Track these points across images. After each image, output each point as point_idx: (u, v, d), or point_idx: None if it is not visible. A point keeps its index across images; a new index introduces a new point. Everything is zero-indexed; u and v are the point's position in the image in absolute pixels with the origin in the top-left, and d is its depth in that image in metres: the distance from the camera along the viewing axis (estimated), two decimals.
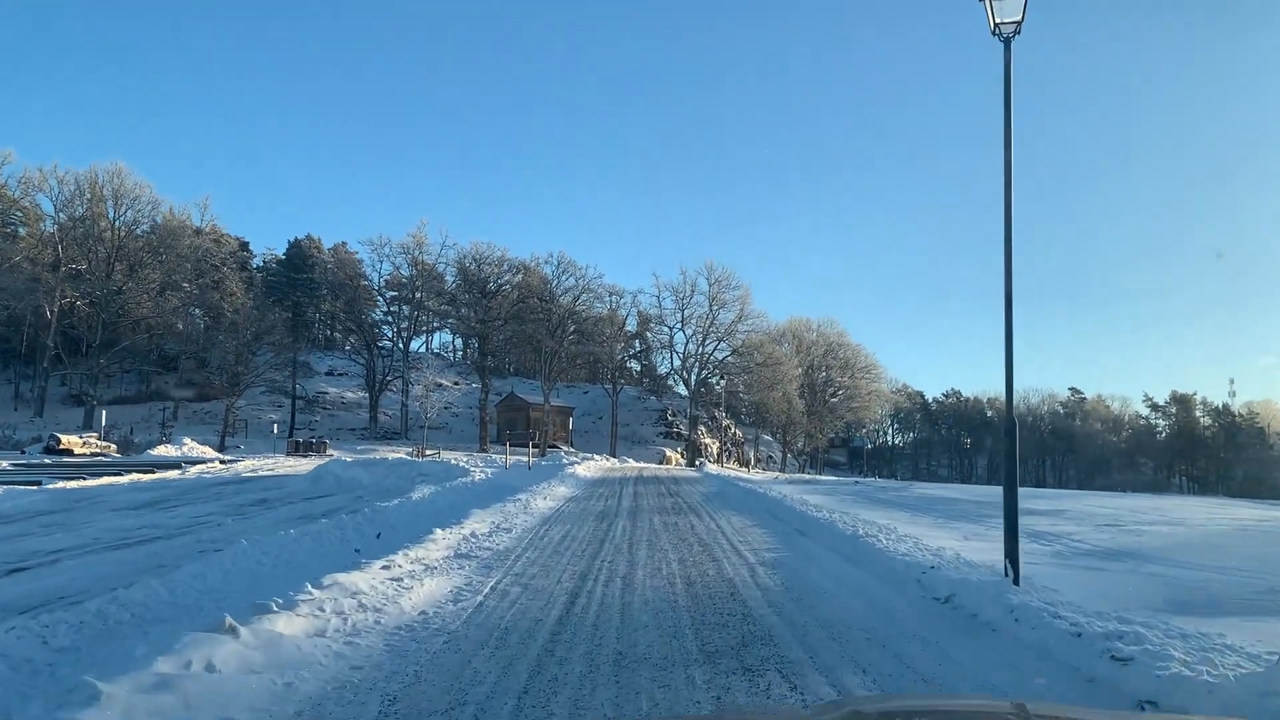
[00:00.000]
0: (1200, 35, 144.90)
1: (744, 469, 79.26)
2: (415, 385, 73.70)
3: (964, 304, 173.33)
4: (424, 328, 78.90)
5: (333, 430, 65.62)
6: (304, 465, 37.65)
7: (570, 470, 30.66)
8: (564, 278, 66.59)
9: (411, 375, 74.72)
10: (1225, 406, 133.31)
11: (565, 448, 70.67)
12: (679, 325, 75.99)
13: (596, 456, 52.75)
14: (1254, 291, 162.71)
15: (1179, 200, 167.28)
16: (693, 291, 75.06)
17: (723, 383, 53.05)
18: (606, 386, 75.44)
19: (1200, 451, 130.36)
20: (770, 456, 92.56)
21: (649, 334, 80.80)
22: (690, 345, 75.97)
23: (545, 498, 19.74)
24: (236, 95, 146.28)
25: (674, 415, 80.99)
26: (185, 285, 61.85)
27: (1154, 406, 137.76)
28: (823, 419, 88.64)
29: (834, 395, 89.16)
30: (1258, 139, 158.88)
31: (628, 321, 78.86)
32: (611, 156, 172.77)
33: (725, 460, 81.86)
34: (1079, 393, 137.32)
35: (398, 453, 57.37)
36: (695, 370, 75.94)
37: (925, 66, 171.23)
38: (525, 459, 42.40)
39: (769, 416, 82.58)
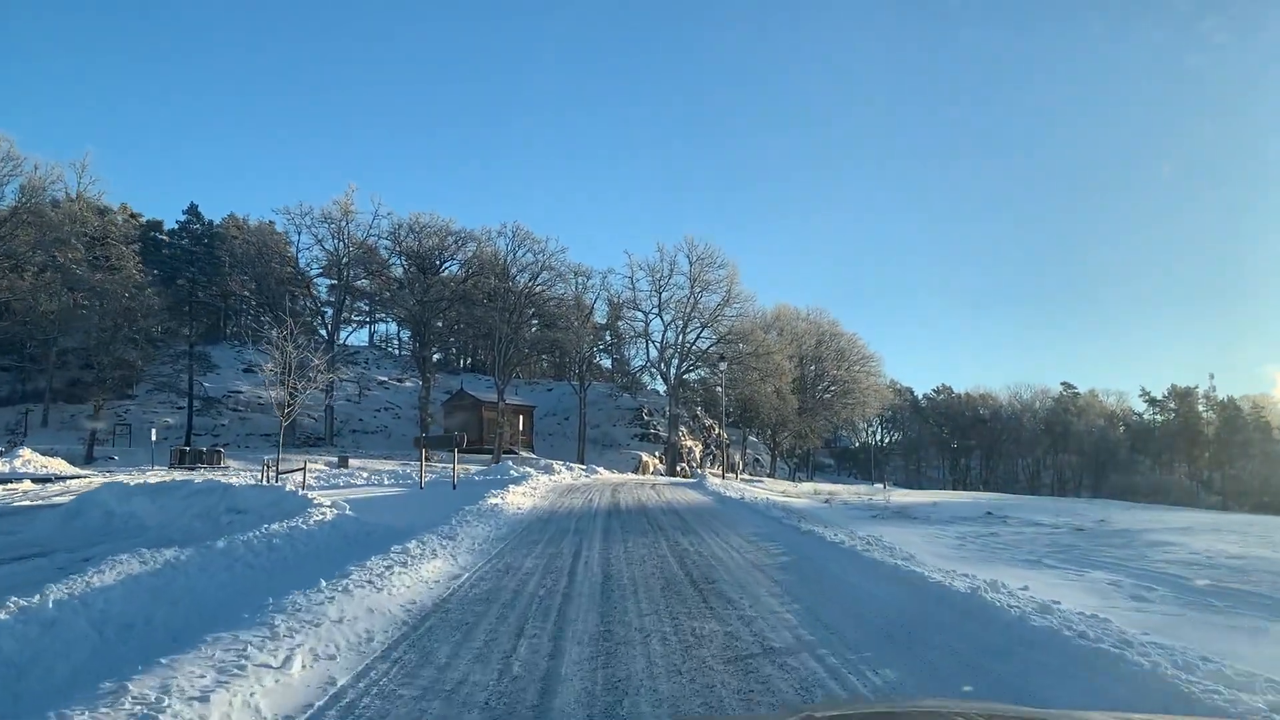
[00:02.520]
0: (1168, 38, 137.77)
1: (732, 476, 69.25)
2: (347, 382, 62.86)
3: (951, 298, 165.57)
4: (355, 314, 67.99)
5: (242, 436, 54.73)
6: (176, 478, 27.28)
7: (507, 496, 19.88)
8: (521, 253, 56.11)
9: (342, 371, 63.82)
10: (1230, 400, 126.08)
11: (524, 452, 60.11)
12: (655, 310, 65.72)
13: (560, 463, 42.58)
14: (1237, 289, 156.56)
15: (1174, 200, 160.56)
16: (671, 271, 64.80)
17: (722, 366, 43.03)
18: (573, 383, 65.02)
19: (1203, 448, 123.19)
20: (757, 460, 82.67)
21: (621, 323, 70.38)
22: (669, 333, 65.78)
23: (420, 576, 9.44)
24: (148, 63, 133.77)
25: (650, 414, 70.74)
26: (63, 261, 50.55)
27: (1151, 401, 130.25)
28: (815, 417, 78.84)
29: (828, 390, 79.42)
30: (1253, 138, 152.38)
31: (596, 308, 68.48)
32: (574, 126, 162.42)
33: (710, 465, 71.76)
34: (1072, 387, 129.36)
35: (314, 463, 46.69)
36: (675, 362, 65.72)
37: (913, 62, 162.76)
38: (461, 471, 32.12)
39: (759, 414, 72.61)
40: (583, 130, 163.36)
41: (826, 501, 24.27)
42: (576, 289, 61.54)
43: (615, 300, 66.78)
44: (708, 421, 76.32)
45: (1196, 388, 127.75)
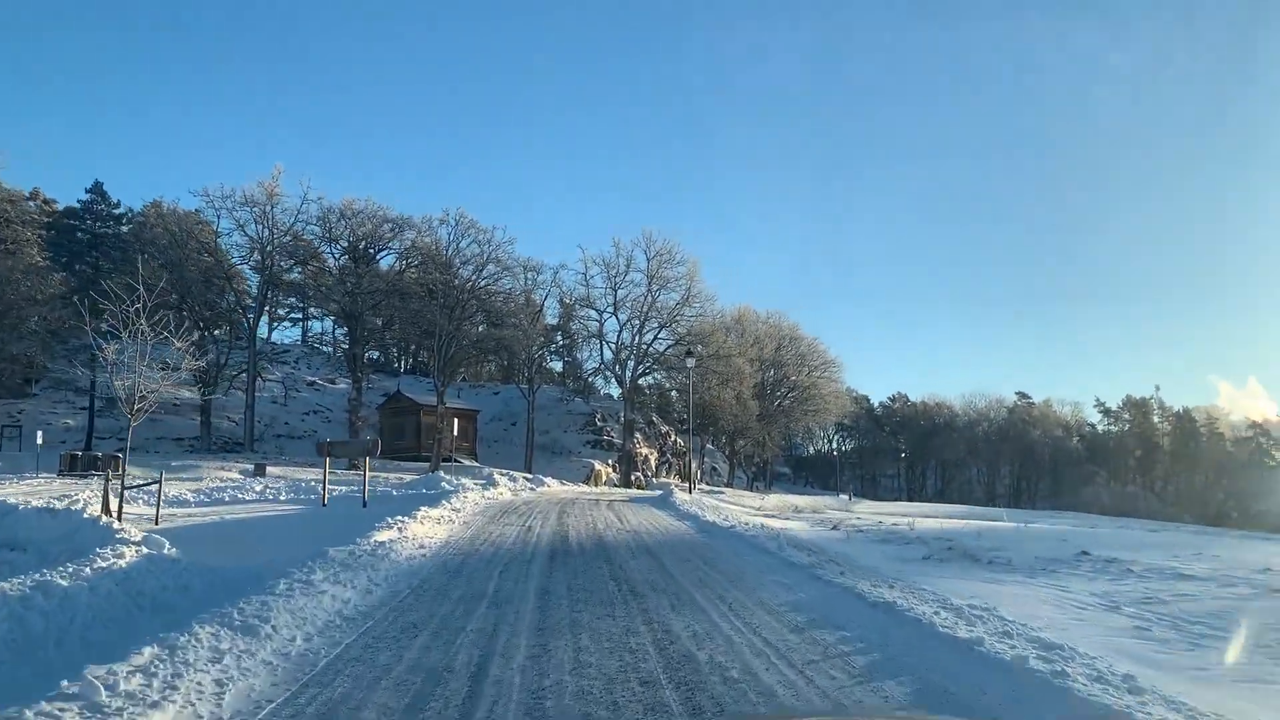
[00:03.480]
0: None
1: (689, 484, 65.43)
2: (272, 383, 57.78)
3: (906, 304, 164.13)
4: (283, 308, 62.81)
5: (152, 440, 49.41)
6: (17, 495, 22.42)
7: (410, 526, 14.61)
8: (465, 243, 51.59)
9: (268, 370, 58.67)
10: (1185, 411, 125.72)
11: (466, 460, 55.59)
12: (610, 309, 61.57)
13: (503, 474, 38.34)
14: (1185, 299, 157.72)
15: (1124, 210, 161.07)
16: (628, 268, 60.73)
17: (690, 362, 38.71)
18: (522, 386, 60.67)
19: (1159, 459, 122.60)
20: (714, 469, 78.94)
21: (573, 323, 66.14)
22: (625, 334, 61.72)
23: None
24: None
25: (604, 420, 66.56)
26: None
27: (1106, 411, 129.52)
28: (775, 423, 75.35)
29: (788, 396, 75.96)
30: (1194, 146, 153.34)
31: (547, 306, 64.12)
32: (526, 114, 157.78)
33: (666, 474, 67.79)
34: (1026, 397, 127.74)
35: (228, 470, 41.78)
36: (631, 365, 61.68)
37: (871, 67, 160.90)
38: (395, 480, 27.84)
39: (718, 421, 68.89)
40: (535, 119, 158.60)
41: (835, 528, 19.24)
42: (526, 284, 57.14)
43: (568, 298, 62.60)
44: (664, 428, 72.47)
45: (1151, 398, 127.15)
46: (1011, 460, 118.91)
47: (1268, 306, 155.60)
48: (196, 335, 49.13)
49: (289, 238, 49.77)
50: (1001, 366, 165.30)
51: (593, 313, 62.37)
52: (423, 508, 16.47)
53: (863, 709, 5.89)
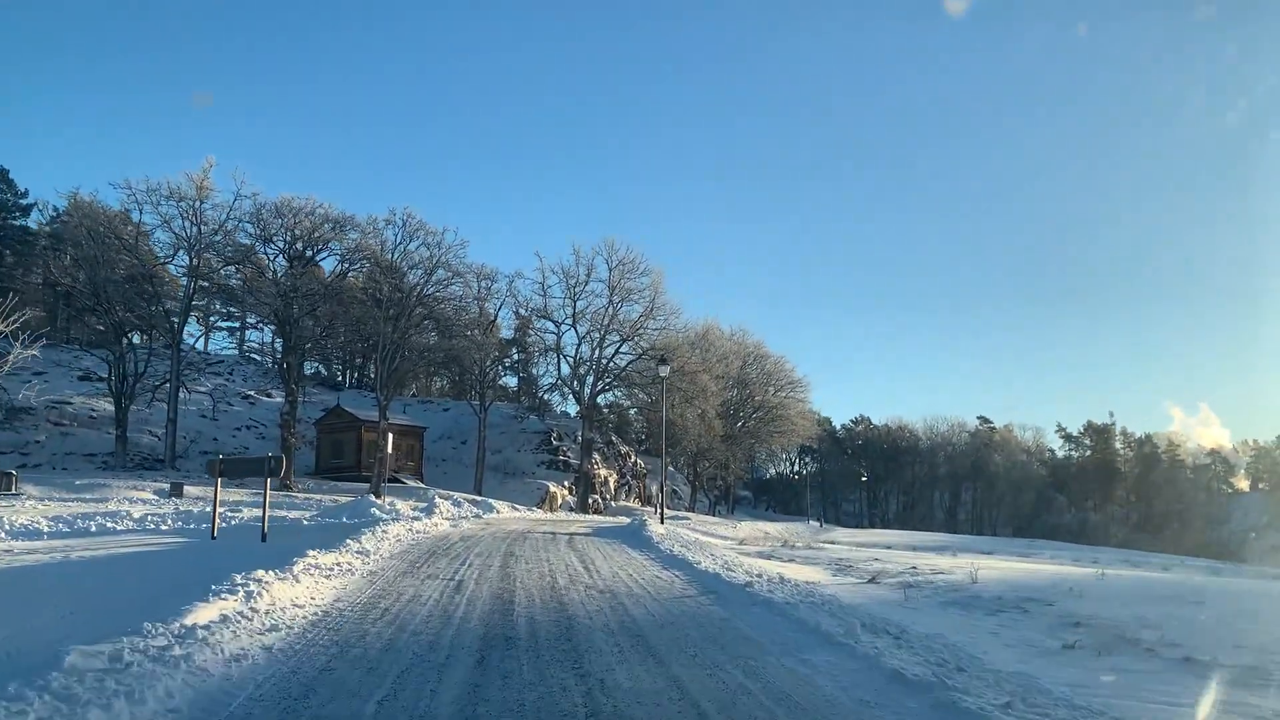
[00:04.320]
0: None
1: (651, 510, 61.86)
2: (200, 394, 53.23)
3: (871, 322, 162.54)
4: (214, 314, 58.26)
5: (60, 455, 44.72)
6: None
7: (272, 590, 9.26)
8: (413, 245, 47.66)
9: (196, 381, 54.06)
10: (1147, 437, 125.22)
11: (411, 481, 51.49)
12: (569, 321, 57.96)
13: (446, 498, 34.52)
14: (1140, 324, 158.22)
15: (1084, 229, 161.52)
16: (588, 277, 57.16)
17: (663, 370, 34.89)
18: (473, 402, 56.75)
19: (1119, 485, 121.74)
20: (675, 492, 75.36)
21: (530, 335, 62.40)
22: (584, 347, 58.12)
23: None
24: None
25: (560, 439, 62.77)
26: None
27: (1068, 437, 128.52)
28: (740, 445, 72.08)
29: (752, 417, 72.73)
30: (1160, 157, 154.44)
31: (501, 317, 60.33)
32: (477, 112, 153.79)
33: (625, 497, 64.13)
34: (988, 421, 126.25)
35: (141, 490, 37.37)
36: (590, 380, 58.05)
37: (823, 68, 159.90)
38: (330, 503, 24.06)
39: (680, 441, 65.46)
40: (486, 118, 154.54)
41: (873, 581, 14.44)
42: (479, 291, 53.27)
43: (524, 308, 58.82)
44: (623, 448, 68.87)
45: (1112, 424, 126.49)
46: (975, 485, 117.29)
47: (1220, 329, 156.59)
48: (112, 339, 45.02)
49: (219, 236, 45.54)
50: (961, 390, 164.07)
51: (550, 324, 58.82)
52: (313, 551, 12.17)
53: None
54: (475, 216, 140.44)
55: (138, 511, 22.59)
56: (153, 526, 20.01)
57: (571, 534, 22.30)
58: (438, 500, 28.96)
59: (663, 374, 37.43)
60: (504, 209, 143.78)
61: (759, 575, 13.55)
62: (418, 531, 19.81)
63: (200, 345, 69.65)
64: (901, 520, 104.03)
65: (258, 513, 22.43)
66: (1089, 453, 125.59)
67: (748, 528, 40.49)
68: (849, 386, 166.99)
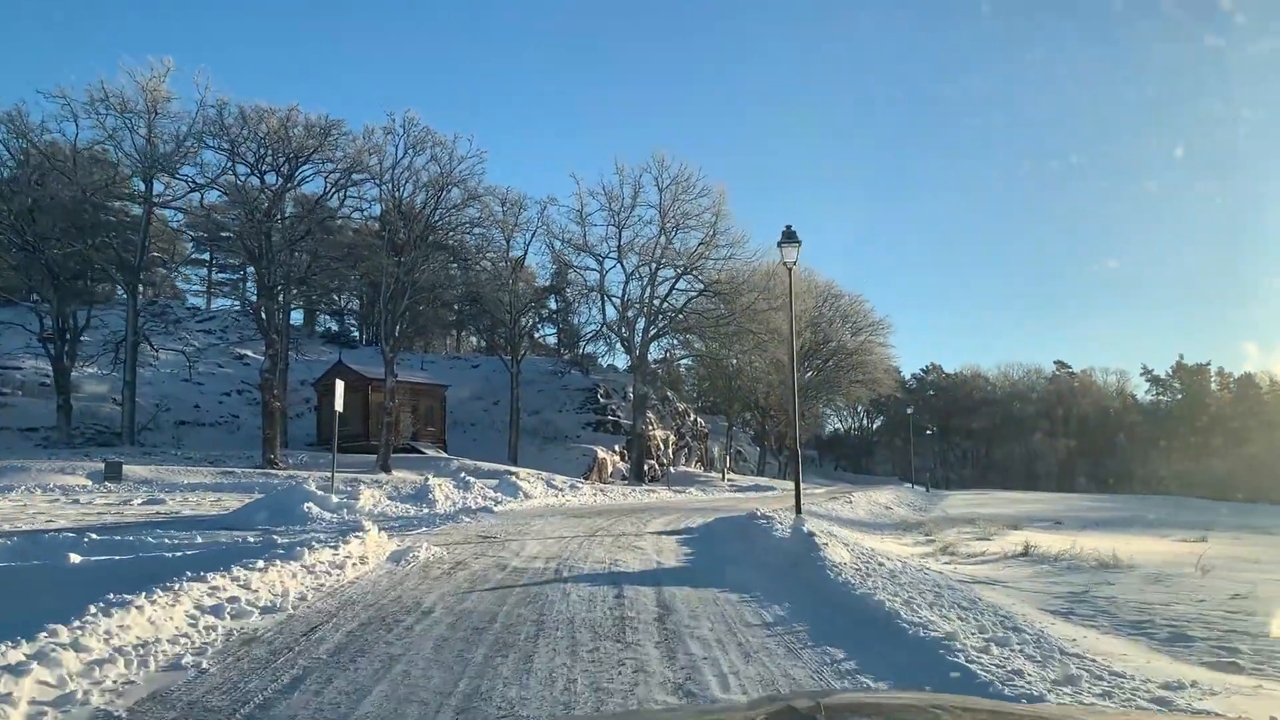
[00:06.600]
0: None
1: (717, 475, 52.31)
2: (171, 352, 44.34)
3: (936, 272, 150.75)
4: (173, 254, 49.16)
5: None
6: None
7: None
8: (420, 160, 38.16)
9: (170, 337, 45.23)
10: (1247, 376, 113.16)
11: (432, 450, 42.42)
12: (614, 255, 48.29)
13: (467, 472, 25.38)
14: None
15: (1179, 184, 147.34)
16: (634, 201, 47.40)
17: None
18: (505, 357, 47.49)
19: (1218, 431, 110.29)
20: (739, 453, 65.76)
21: (568, 277, 52.65)
22: (633, 285, 48.43)
23: None
24: None
25: (608, 396, 53.34)
26: None
27: (1154, 380, 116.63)
28: (817, 397, 62.20)
29: (830, 362, 62.62)
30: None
31: (532, 256, 50.74)
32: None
33: (686, 461, 54.66)
34: (1066, 366, 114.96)
35: (70, 475, 28.54)
36: (641, 325, 48.43)
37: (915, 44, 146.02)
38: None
39: (747, 395, 55.81)
40: (520, 34, 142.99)
41: None
42: (503, 216, 43.61)
43: (560, 239, 48.90)
44: (680, 405, 59.26)
45: (1207, 365, 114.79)
46: (1054, 435, 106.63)
47: None
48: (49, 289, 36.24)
49: (178, 153, 36.18)
50: (1038, 336, 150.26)
51: (592, 260, 49.03)
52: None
53: None
54: (499, 141, 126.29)
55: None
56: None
57: (661, 558, 11.94)
58: (432, 483, 19.59)
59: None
60: (534, 136, 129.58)
61: None
62: (356, 571, 9.35)
63: (198, 301, 61.12)
64: (979, 478, 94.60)
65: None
66: (1179, 396, 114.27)
67: (863, 501, 30.83)
68: (912, 335, 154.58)
